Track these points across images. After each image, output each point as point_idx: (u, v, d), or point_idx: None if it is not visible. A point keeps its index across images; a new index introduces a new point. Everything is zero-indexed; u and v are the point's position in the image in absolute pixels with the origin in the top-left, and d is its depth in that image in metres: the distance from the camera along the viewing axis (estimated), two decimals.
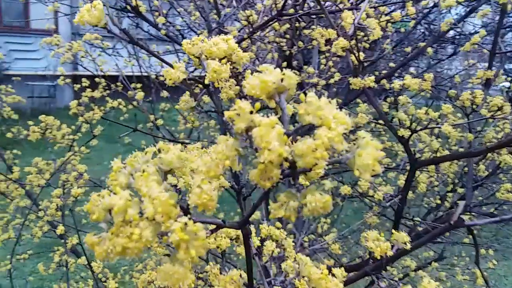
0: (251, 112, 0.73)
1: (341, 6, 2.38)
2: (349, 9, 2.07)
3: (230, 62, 1.08)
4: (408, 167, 3.61)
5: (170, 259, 0.70)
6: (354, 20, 1.86)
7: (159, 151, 0.81)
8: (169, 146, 0.80)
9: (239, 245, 1.52)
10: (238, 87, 1.11)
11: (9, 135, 3.93)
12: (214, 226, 0.88)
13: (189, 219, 0.70)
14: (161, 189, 0.71)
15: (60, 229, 2.84)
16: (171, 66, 1.04)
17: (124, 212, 0.70)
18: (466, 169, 3.50)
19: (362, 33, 3.35)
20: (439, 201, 3.45)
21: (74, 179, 3.25)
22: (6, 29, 10.83)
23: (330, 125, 0.68)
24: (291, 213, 0.70)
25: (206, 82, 1.01)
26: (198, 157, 0.78)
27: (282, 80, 0.79)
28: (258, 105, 0.72)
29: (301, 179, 0.77)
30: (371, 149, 0.70)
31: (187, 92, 1.17)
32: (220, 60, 1.03)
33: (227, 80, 1.07)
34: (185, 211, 0.74)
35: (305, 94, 0.74)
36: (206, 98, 2.74)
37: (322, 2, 1.97)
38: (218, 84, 1.02)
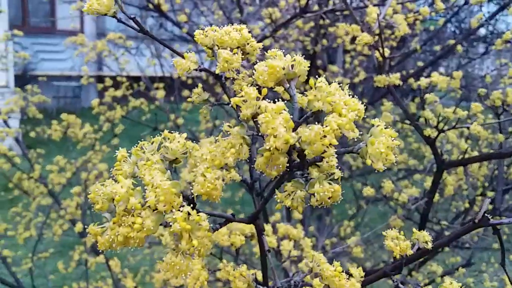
0: (258, 99, 0.70)
1: (367, 2, 2.32)
2: (374, 5, 2.01)
3: (243, 53, 1.04)
4: (435, 169, 3.52)
5: (172, 250, 0.67)
6: (379, 15, 1.80)
7: (164, 140, 0.78)
8: (174, 135, 0.77)
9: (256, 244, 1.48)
10: (251, 79, 1.08)
11: (32, 134, 3.99)
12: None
13: (193, 208, 0.67)
14: (164, 178, 0.68)
15: (79, 226, 2.85)
16: (181, 55, 1.02)
17: (126, 201, 0.67)
18: (496, 172, 3.38)
19: (389, 31, 3.28)
20: (467, 205, 3.33)
21: (94, 177, 3.27)
22: (33, 30, 11.04)
23: (341, 111, 0.65)
24: (298, 203, 0.66)
25: (217, 72, 0.98)
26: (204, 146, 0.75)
27: (292, 66, 0.76)
28: (265, 90, 0.69)
29: (314, 171, 0.73)
30: (385, 137, 0.66)
31: (200, 85, 1.14)
32: (232, 50, 1.00)
33: (239, 71, 1.04)
34: (190, 201, 0.71)
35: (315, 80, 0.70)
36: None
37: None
38: (230, 74, 0.98)
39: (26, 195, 3.75)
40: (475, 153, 2.88)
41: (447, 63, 7.12)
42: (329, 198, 0.64)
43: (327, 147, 0.62)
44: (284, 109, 0.64)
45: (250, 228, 1.43)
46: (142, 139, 0.85)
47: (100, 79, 4.76)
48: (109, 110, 3.92)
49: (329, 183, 0.64)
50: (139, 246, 0.69)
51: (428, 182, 2.87)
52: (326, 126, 0.62)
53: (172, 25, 6.37)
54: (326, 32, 3.92)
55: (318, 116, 0.74)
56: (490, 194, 3.50)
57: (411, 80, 3.49)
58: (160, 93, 3.94)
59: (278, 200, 0.67)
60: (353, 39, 4.31)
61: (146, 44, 5.73)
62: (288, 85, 0.75)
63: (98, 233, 0.72)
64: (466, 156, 2.40)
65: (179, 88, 4.76)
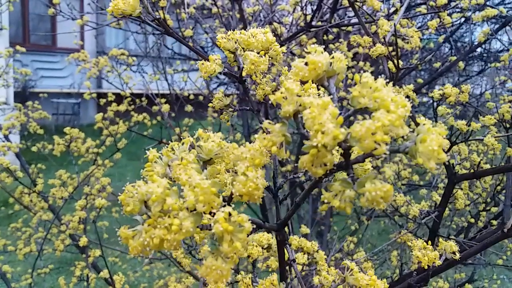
0: (299, 95, 0.67)
1: (374, 17, 2.33)
2: (384, 18, 2.02)
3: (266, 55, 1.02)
4: (440, 184, 3.50)
5: (212, 253, 0.64)
6: (392, 26, 1.80)
7: (198, 139, 0.75)
8: (209, 134, 0.74)
9: (271, 255, 1.44)
10: (275, 84, 1.06)
11: (34, 149, 3.95)
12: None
13: (233, 209, 0.63)
14: (202, 177, 0.65)
15: (83, 240, 2.79)
16: (204, 57, 0.99)
17: (162, 202, 0.64)
18: (498, 187, 3.37)
19: (390, 48, 3.29)
20: (472, 220, 3.30)
21: (97, 191, 3.22)
22: (33, 47, 11.09)
23: (389, 107, 0.62)
24: (346, 204, 0.63)
25: (244, 74, 0.96)
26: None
27: (330, 64, 0.74)
28: (308, 85, 0.66)
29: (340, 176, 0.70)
30: (436, 135, 0.63)
31: (221, 90, 1.11)
32: (258, 53, 0.98)
33: (264, 75, 1.02)
34: (227, 202, 0.68)
35: (360, 75, 0.68)
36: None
37: (358, 12, 1.92)
38: (256, 77, 0.96)
39: (27, 210, 3.69)
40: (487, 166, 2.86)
41: (442, 81, 7.18)
42: (381, 197, 0.60)
43: (379, 144, 0.59)
44: (330, 104, 0.61)
45: (267, 239, 1.39)
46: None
47: (100, 96, 4.74)
48: (111, 125, 3.89)
49: (380, 182, 0.61)
50: (174, 249, 0.66)
51: (435, 197, 2.84)
52: (376, 122, 0.59)
53: (172, 44, 6.40)
54: (326, 48, 3.93)
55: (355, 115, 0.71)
56: (494, 209, 3.48)
57: (413, 96, 3.49)
58: (165, 107, 3.92)
59: (325, 201, 0.64)
60: (355, 55, 4.34)
61: (147, 61, 5.74)
62: (327, 83, 0.72)
63: (130, 236, 0.68)
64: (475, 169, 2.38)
65: (181, 103, 4.74)
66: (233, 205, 0.67)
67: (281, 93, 0.67)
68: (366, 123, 0.59)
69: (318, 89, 0.79)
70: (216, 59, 0.98)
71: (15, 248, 3.73)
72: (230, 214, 0.62)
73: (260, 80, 1.05)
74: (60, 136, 3.74)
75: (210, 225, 0.65)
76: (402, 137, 0.66)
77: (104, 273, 2.61)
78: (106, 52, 4.69)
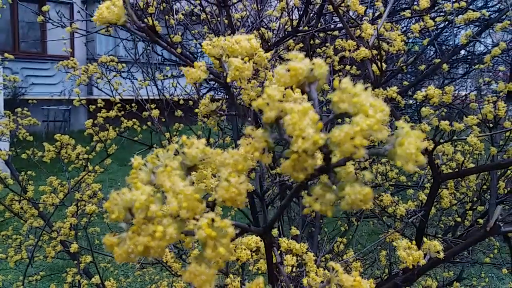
0: (281, 101, 0.68)
1: (359, 22, 2.35)
2: (369, 22, 2.04)
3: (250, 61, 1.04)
4: (426, 184, 3.53)
5: (196, 259, 0.65)
6: (376, 29, 1.82)
7: (182, 146, 0.76)
8: (193, 140, 0.75)
9: (260, 258, 1.45)
10: (260, 89, 1.07)
11: (24, 156, 3.93)
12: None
13: (216, 215, 0.64)
14: (186, 184, 0.66)
15: (74, 246, 2.79)
16: (189, 64, 1.01)
17: (146, 209, 0.64)
18: (484, 186, 3.41)
19: (375, 51, 3.33)
20: (459, 219, 3.34)
21: (88, 197, 3.21)
22: (23, 54, 11.03)
23: (368, 112, 0.63)
24: (327, 208, 0.64)
25: (228, 80, 0.97)
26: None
27: (311, 70, 0.75)
28: (289, 91, 0.68)
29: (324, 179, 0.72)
30: (414, 138, 0.64)
31: (207, 96, 1.13)
32: (242, 59, 0.99)
33: (249, 81, 1.03)
34: (211, 208, 0.69)
35: (340, 81, 0.69)
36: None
37: (343, 17, 1.94)
38: (240, 83, 0.97)
39: (17, 218, 3.67)
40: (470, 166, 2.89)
41: (428, 83, 7.25)
42: (360, 200, 0.62)
43: (357, 148, 0.60)
44: (310, 110, 0.63)
45: (255, 242, 1.40)
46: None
47: (90, 103, 4.72)
48: (101, 131, 3.88)
49: (360, 185, 0.63)
50: (159, 256, 0.66)
51: (422, 197, 2.87)
52: (355, 126, 0.61)
53: (162, 49, 6.39)
54: (313, 53, 3.96)
55: (336, 120, 0.73)
56: (481, 208, 3.52)
57: (399, 98, 3.53)
58: (155, 112, 3.93)
59: (307, 204, 0.65)
60: (341, 59, 4.36)
61: (137, 67, 5.74)
62: (308, 88, 0.74)
63: (115, 243, 0.69)
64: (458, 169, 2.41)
65: (171, 109, 4.74)
66: (221, 209, 0.68)
67: (263, 99, 0.68)
68: (345, 128, 0.60)
69: (302, 94, 0.80)
70: (201, 66, 0.99)
71: (6, 255, 3.71)
72: (213, 220, 0.63)
73: (245, 85, 1.06)
74: (51, 143, 3.72)
75: (194, 230, 0.66)
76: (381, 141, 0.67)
77: (96, 279, 2.60)
78: (96, 59, 4.67)
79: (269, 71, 1.08)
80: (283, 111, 0.66)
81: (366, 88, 0.68)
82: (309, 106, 0.63)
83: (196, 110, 1.08)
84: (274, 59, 3.79)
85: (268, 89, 0.68)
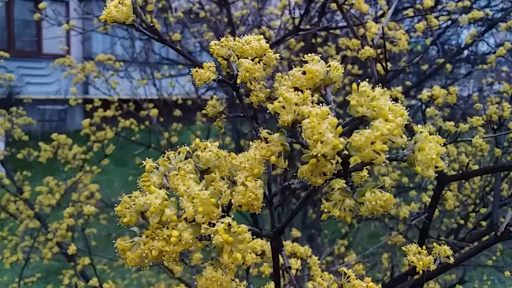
0: (298, 104, 0.67)
1: (362, 20, 2.34)
2: (372, 21, 2.03)
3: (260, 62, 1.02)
4: (429, 186, 3.53)
5: (212, 265, 0.63)
6: (380, 29, 1.81)
7: (195, 149, 0.74)
8: (206, 143, 0.74)
9: (264, 262, 1.44)
10: (269, 90, 1.06)
11: (19, 155, 3.90)
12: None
13: (232, 220, 0.63)
14: (201, 187, 0.64)
15: (72, 248, 2.76)
16: (197, 64, 0.99)
17: (160, 213, 0.63)
18: (487, 188, 3.39)
19: (379, 50, 3.32)
20: (462, 221, 3.33)
21: (85, 198, 3.18)
22: (19, 53, 10.92)
23: (387, 116, 0.62)
24: (346, 213, 0.63)
25: (238, 81, 0.95)
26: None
27: (327, 72, 0.74)
28: (306, 95, 0.66)
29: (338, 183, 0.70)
30: (434, 143, 0.63)
31: (214, 96, 1.11)
32: (252, 60, 0.98)
33: (258, 81, 1.01)
34: (226, 212, 0.68)
35: (358, 84, 0.68)
36: None
37: (346, 15, 1.93)
38: (250, 84, 0.96)
39: (13, 218, 3.64)
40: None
41: (430, 84, 7.24)
42: (381, 206, 0.60)
43: (378, 153, 0.59)
44: (329, 114, 0.61)
45: (261, 246, 1.39)
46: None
47: (86, 102, 4.69)
48: (98, 131, 3.86)
49: (380, 191, 0.61)
50: (173, 261, 0.65)
51: (425, 199, 2.86)
52: (375, 131, 0.59)
53: (160, 48, 6.37)
54: (315, 52, 3.95)
55: (357, 124, 0.71)
56: (483, 210, 3.52)
57: (402, 98, 3.52)
58: (154, 112, 3.90)
59: (325, 210, 0.64)
60: (343, 58, 4.36)
61: (134, 67, 5.71)
62: (324, 91, 0.72)
63: (127, 248, 0.67)
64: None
65: (169, 108, 4.72)
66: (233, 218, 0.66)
67: (279, 102, 0.67)
68: (365, 133, 0.59)
69: (318, 100, 0.79)
70: (210, 66, 0.97)
71: (1, 257, 3.67)
72: (229, 225, 0.62)
73: (255, 87, 1.04)
74: (47, 143, 3.69)
75: (209, 235, 0.65)
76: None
77: (94, 282, 2.58)
78: (92, 58, 4.65)
79: (271, 71, 1.07)
80: (300, 115, 0.65)
81: (384, 92, 0.67)
82: (328, 109, 0.61)
83: (203, 112, 1.06)
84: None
85: (284, 92, 0.66)
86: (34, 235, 3.62)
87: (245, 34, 1.05)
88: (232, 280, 1.32)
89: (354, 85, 0.67)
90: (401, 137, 0.61)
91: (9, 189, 3.57)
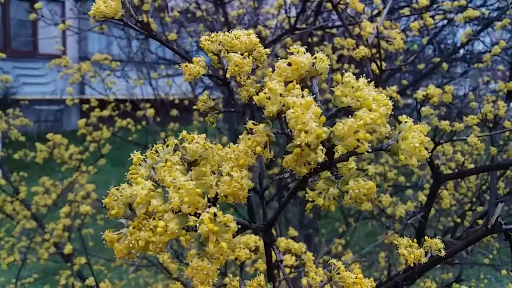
0: (283, 95, 0.67)
1: (357, 19, 2.35)
2: (368, 20, 2.04)
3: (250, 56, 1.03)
4: (425, 185, 3.53)
5: (198, 254, 0.63)
6: (375, 28, 1.81)
7: (182, 141, 0.75)
8: (193, 135, 0.74)
9: (258, 258, 1.44)
10: (259, 85, 1.06)
11: (16, 156, 3.90)
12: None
13: (218, 209, 0.63)
14: (187, 178, 0.65)
15: (68, 248, 2.76)
16: (188, 60, 0.99)
17: (147, 204, 0.63)
18: (484, 187, 3.40)
19: (374, 50, 3.33)
20: (458, 220, 3.34)
21: (81, 198, 3.18)
22: (15, 53, 10.89)
23: (371, 106, 0.62)
24: (330, 202, 0.63)
25: (227, 76, 0.96)
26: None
27: (313, 64, 0.74)
28: (291, 85, 0.67)
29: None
30: (417, 132, 0.64)
31: (205, 92, 1.11)
32: (242, 54, 0.98)
33: (248, 77, 1.02)
34: (212, 203, 0.68)
35: (342, 75, 0.68)
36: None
37: (342, 14, 1.93)
38: (240, 78, 0.96)
39: (9, 219, 3.63)
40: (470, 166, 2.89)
41: (427, 82, 7.25)
42: (364, 195, 0.61)
43: (361, 142, 0.59)
44: (313, 104, 0.62)
45: (254, 242, 1.39)
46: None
47: (82, 102, 4.68)
48: (95, 130, 3.86)
49: (363, 180, 0.62)
50: (159, 252, 0.65)
51: (421, 198, 2.86)
52: (358, 120, 0.60)
53: (156, 48, 6.37)
54: (312, 49, 3.96)
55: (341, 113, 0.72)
56: (480, 209, 3.52)
57: (398, 96, 3.53)
58: (150, 112, 3.90)
59: (310, 199, 0.64)
60: (340, 58, 4.37)
61: (131, 66, 5.70)
62: (310, 82, 0.73)
63: (115, 239, 0.68)
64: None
65: (166, 108, 4.72)
66: (219, 208, 0.67)
67: (265, 93, 0.67)
68: (349, 122, 0.59)
69: (302, 90, 0.79)
70: (200, 61, 0.98)
71: None
72: (215, 215, 0.62)
73: (245, 81, 1.05)
74: (43, 143, 3.69)
75: (196, 226, 0.65)
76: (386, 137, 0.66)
77: (90, 281, 2.58)
78: (89, 58, 4.64)
79: (266, 69, 1.07)
80: (285, 105, 0.65)
81: (368, 82, 0.67)
82: (312, 100, 0.62)
83: (195, 107, 1.06)
84: (271, 57, 3.78)
85: (269, 84, 0.67)
86: (30, 235, 3.62)
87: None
88: (226, 276, 1.33)
89: (338, 76, 0.67)
90: (385, 127, 0.62)
91: (5, 190, 3.57)
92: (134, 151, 0.76)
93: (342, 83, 0.67)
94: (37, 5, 3.79)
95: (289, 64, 0.71)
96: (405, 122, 0.67)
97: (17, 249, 3.80)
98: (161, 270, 3.44)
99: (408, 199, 3.32)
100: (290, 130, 0.63)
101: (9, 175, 3.66)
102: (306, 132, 0.60)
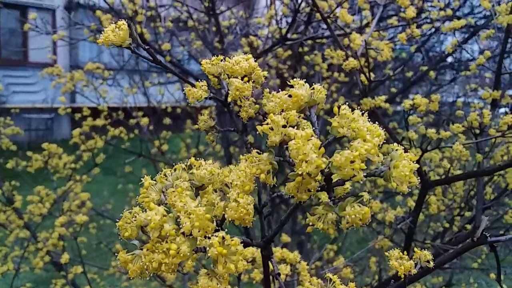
0: (284, 126, 0.73)
1: (347, 30, 2.41)
2: (356, 32, 2.10)
3: (249, 81, 1.08)
4: (415, 191, 3.60)
5: (207, 274, 0.69)
6: (364, 40, 1.88)
7: (190, 167, 0.80)
8: (200, 162, 0.80)
9: (255, 268, 1.49)
10: (257, 106, 1.12)
11: (9, 165, 3.91)
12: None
13: (226, 233, 0.69)
14: (197, 204, 0.70)
15: (65, 258, 2.78)
16: (190, 83, 1.05)
17: (160, 228, 0.69)
18: (472, 192, 3.48)
19: (363, 59, 3.41)
20: (447, 225, 3.42)
21: (76, 207, 3.21)
22: (4, 62, 10.85)
23: (365, 137, 0.68)
24: (329, 226, 0.69)
25: (229, 100, 1.01)
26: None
27: (311, 95, 0.80)
28: (292, 117, 0.72)
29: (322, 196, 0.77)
30: (407, 161, 0.70)
31: (205, 111, 1.17)
32: (242, 78, 1.04)
33: (247, 98, 1.07)
34: (219, 226, 0.74)
35: (339, 107, 0.74)
36: None
37: (331, 27, 2.00)
38: (240, 102, 1.02)
39: (3, 228, 3.64)
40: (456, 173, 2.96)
41: (416, 90, 7.37)
42: (360, 220, 0.67)
43: (357, 171, 0.65)
44: (313, 135, 0.68)
45: (251, 253, 1.45)
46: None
47: (73, 111, 4.70)
48: (87, 139, 3.88)
49: (359, 206, 0.68)
50: (171, 272, 0.71)
51: (410, 203, 2.93)
52: (354, 151, 0.65)
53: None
54: (302, 59, 4.03)
55: (335, 142, 0.78)
56: (468, 214, 3.61)
57: (387, 105, 3.61)
58: (144, 120, 3.94)
59: (310, 223, 0.70)
60: (330, 66, 4.44)
61: (123, 74, 5.72)
62: (309, 112, 0.79)
63: (128, 260, 0.73)
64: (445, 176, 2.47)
65: (159, 116, 4.76)
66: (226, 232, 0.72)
67: (267, 124, 0.73)
68: (345, 153, 0.65)
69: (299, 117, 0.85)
70: (202, 85, 1.03)
71: None
72: (223, 238, 0.67)
73: (244, 104, 1.10)
74: (34, 152, 3.71)
75: (204, 247, 0.70)
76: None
77: None
78: (80, 66, 4.67)
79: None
80: (287, 136, 0.71)
81: (363, 114, 0.73)
82: (311, 132, 0.68)
83: (195, 127, 1.11)
84: (262, 66, 3.84)
85: (272, 116, 0.73)
86: (24, 245, 3.63)
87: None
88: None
89: (335, 108, 0.73)
90: (378, 156, 0.68)
91: None
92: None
93: (339, 114, 0.73)
94: (31, 16, 3.82)
95: (290, 96, 0.77)
96: (396, 149, 0.73)
97: (10, 258, 3.80)
98: (154, 278, 3.48)
99: (397, 204, 3.40)
100: (292, 159, 0.69)
101: (2, 184, 3.67)
102: (306, 162, 0.65)
